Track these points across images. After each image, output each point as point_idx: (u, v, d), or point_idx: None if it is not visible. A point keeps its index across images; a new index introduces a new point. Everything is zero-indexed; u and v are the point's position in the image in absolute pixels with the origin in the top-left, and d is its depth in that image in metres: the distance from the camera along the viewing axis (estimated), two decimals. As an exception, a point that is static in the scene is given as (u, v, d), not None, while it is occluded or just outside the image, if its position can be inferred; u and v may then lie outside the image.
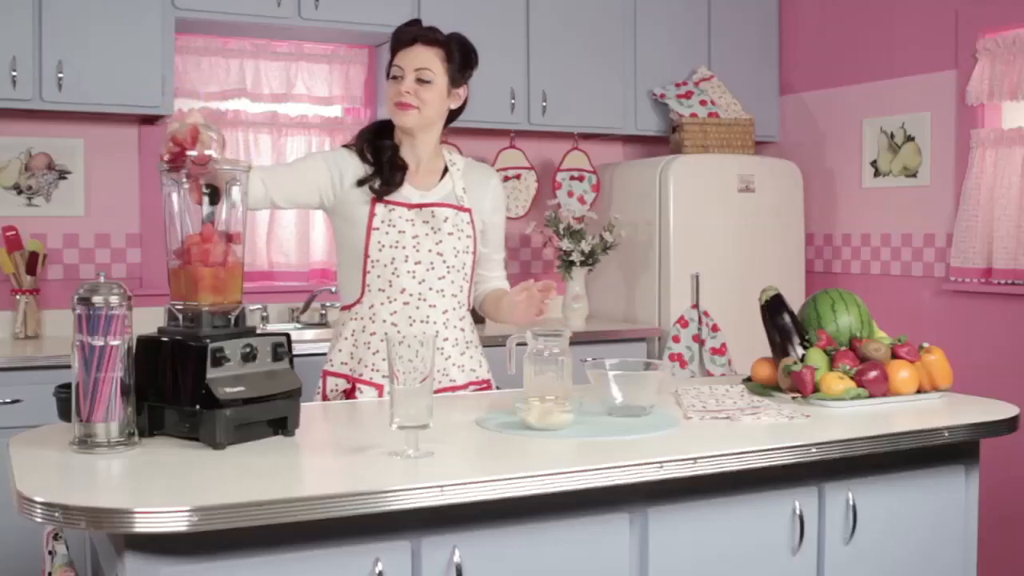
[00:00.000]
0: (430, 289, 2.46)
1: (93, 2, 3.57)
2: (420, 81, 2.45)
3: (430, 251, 2.46)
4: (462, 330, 2.52)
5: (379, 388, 2.46)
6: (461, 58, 2.50)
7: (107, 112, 3.68)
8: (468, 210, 2.52)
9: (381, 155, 2.50)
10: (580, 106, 4.42)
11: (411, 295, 2.46)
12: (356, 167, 2.50)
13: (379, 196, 2.47)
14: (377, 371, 2.47)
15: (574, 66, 4.40)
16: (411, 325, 2.46)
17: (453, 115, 2.58)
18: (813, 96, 4.77)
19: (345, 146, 2.59)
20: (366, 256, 2.47)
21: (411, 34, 2.49)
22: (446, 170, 2.56)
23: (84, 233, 3.95)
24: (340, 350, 2.52)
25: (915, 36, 4.29)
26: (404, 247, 2.45)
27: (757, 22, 4.83)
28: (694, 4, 4.67)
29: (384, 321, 2.47)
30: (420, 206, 2.48)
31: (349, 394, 2.49)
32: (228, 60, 4.17)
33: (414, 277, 2.46)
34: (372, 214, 2.47)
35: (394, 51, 2.51)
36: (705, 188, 4.30)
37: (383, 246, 2.46)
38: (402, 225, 2.46)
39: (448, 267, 2.47)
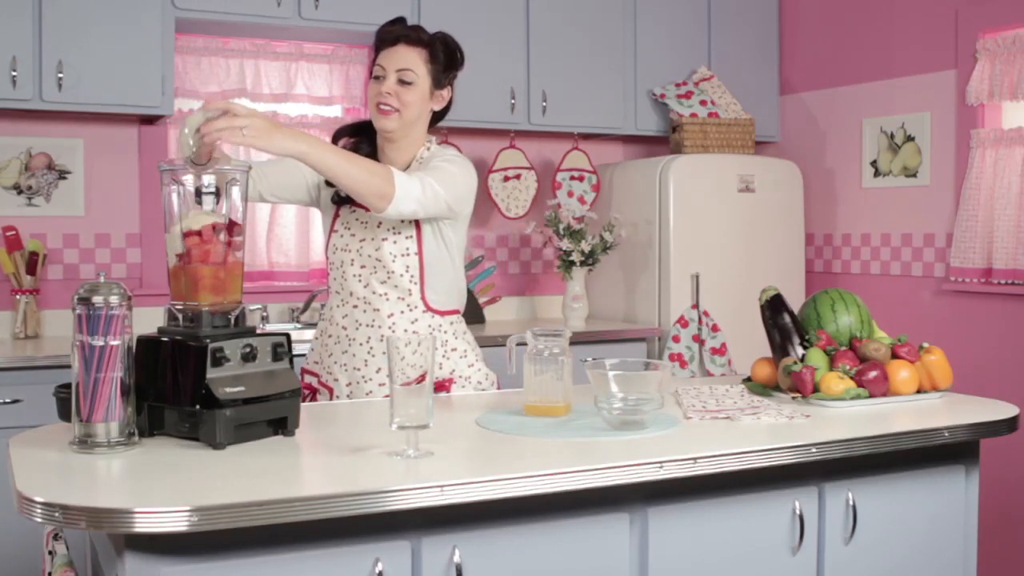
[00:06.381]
0: (374, 293, 2.45)
1: (93, 2, 3.57)
2: (402, 82, 2.41)
3: (370, 256, 2.44)
4: (415, 332, 2.47)
5: (330, 390, 2.49)
6: (445, 59, 2.46)
7: (107, 112, 3.68)
8: None
9: None
10: (580, 106, 4.42)
11: (359, 298, 2.46)
12: None
13: (336, 201, 2.49)
14: (330, 373, 2.50)
15: (574, 66, 4.40)
16: (358, 329, 2.46)
17: (437, 117, 2.53)
18: (813, 96, 4.77)
19: None
20: (326, 258, 2.53)
21: (394, 34, 2.44)
22: None
23: (84, 233, 3.95)
24: (312, 349, 2.59)
25: (915, 36, 4.28)
26: (350, 251, 2.46)
27: (757, 22, 4.83)
28: (694, 4, 4.66)
29: (337, 324, 2.50)
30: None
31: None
32: (228, 60, 4.17)
33: (360, 280, 2.46)
34: (336, 216, 2.51)
35: (377, 50, 2.45)
36: (705, 188, 4.30)
37: (336, 249, 2.49)
38: (355, 228, 2.47)
39: (388, 272, 2.43)
